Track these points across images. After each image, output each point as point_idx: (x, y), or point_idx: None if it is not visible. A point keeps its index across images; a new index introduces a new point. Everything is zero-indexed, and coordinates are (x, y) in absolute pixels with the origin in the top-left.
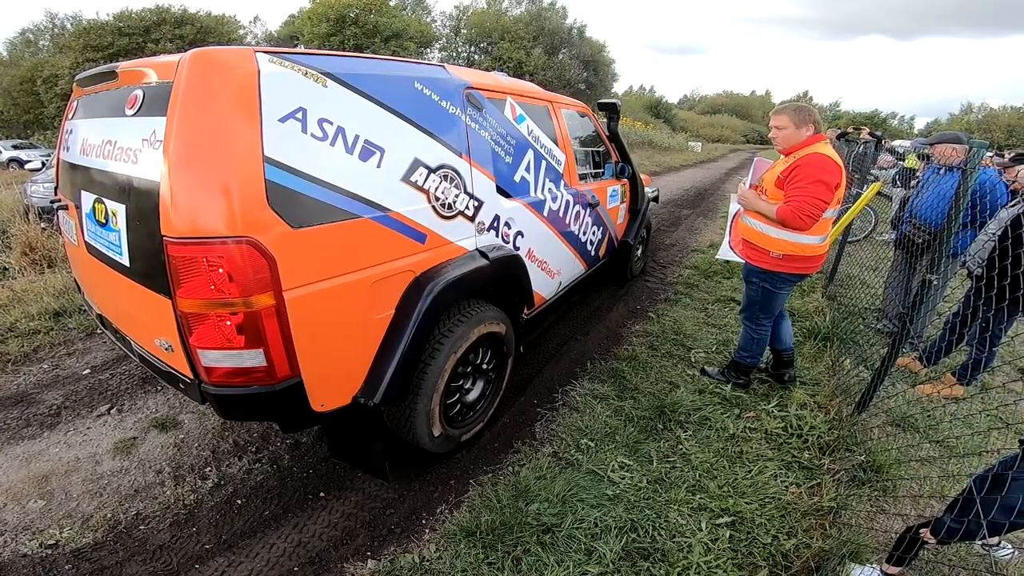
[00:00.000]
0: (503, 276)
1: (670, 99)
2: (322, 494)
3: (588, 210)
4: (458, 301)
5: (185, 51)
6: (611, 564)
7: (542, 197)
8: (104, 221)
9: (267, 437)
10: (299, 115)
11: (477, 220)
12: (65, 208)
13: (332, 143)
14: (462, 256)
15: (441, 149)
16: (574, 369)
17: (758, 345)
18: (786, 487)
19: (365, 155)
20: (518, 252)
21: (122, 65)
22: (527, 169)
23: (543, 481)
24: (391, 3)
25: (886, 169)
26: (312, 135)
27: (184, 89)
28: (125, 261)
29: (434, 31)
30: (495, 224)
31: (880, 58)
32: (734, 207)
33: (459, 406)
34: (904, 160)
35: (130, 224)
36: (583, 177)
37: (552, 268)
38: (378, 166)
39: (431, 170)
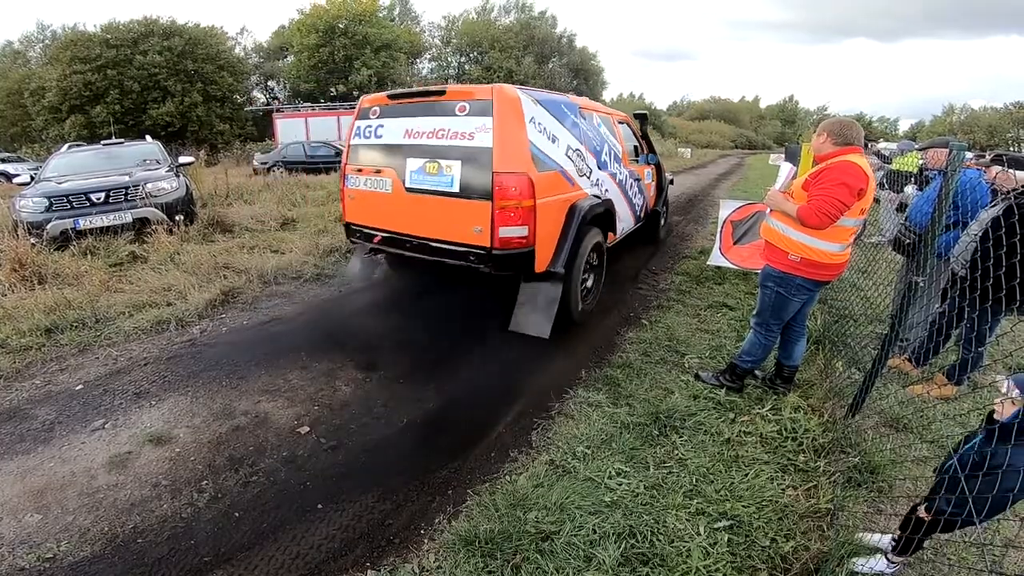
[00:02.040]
0: (603, 211)
1: (659, 105)
2: (319, 506)
3: (636, 183)
4: (587, 221)
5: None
6: (610, 570)
7: (614, 171)
8: (435, 172)
9: (262, 450)
10: (533, 120)
11: (591, 180)
12: (377, 172)
13: (543, 133)
14: (587, 197)
15: (574, 140)
16: (569, 377)
17: (763, 351)
18: (783, 490)
19: (553, 141)
20: (611, 197)
21: (450, 88)
22: (606, 154)
23: (541, 489)
24: (380, 14)
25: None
26: (538, 130)
27: (497, 104)
28: (455, 190)
29: (424, 41)
30: (597, 183)
31: (866, 61)
32: (724, 213)
33: (584, 289)
34: (891, 163)
35: (464, 170)
36: (631, 161)
37: (621, 217)
38: (556, 146)
39: (572, 150)
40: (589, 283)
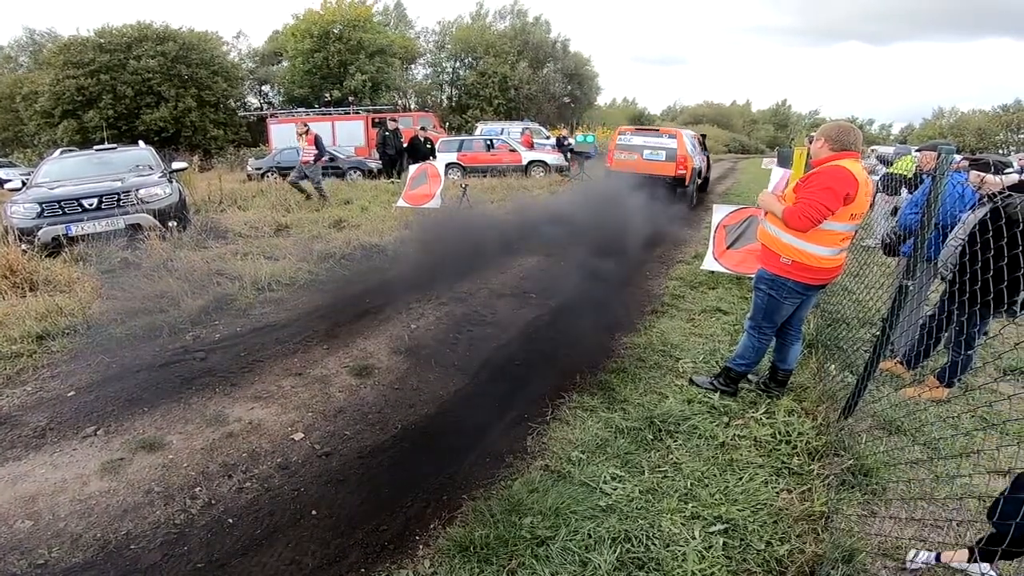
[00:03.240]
0: (699, 169)
1: (653, 110)
2: (313, 512)
3: (701, 162)
4: (697, 173)
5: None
6: (606, 575)
7: (698, 156)
8: (656, 154)
9: (256, 457)
10: (685, 140)
11: (695, 159)
12: (630, 152)
13: (689, 143)
14: (695, 164)
15: (691, 145)
16: (563, 382)
17: (756, 354)
18: (777, 493)
19: (686, 144)
20: (701, 166)
21: (661, 127)
22: (696, 149)
23: (536, 494)
24: (375, 19)
25: None
26: (687, 142)
27: (677, 135)
28: (662, 159)
29: (418, 47)
30: (697, 160)
31: (858, 64)
32: (717, 217)
33: (693, 193)
34: (892, 166)
35: (667, 154)
36: (700, 153)
37: (701, 172)
38: (688, 146)
39: (691, 147)
40: (695, 194)
